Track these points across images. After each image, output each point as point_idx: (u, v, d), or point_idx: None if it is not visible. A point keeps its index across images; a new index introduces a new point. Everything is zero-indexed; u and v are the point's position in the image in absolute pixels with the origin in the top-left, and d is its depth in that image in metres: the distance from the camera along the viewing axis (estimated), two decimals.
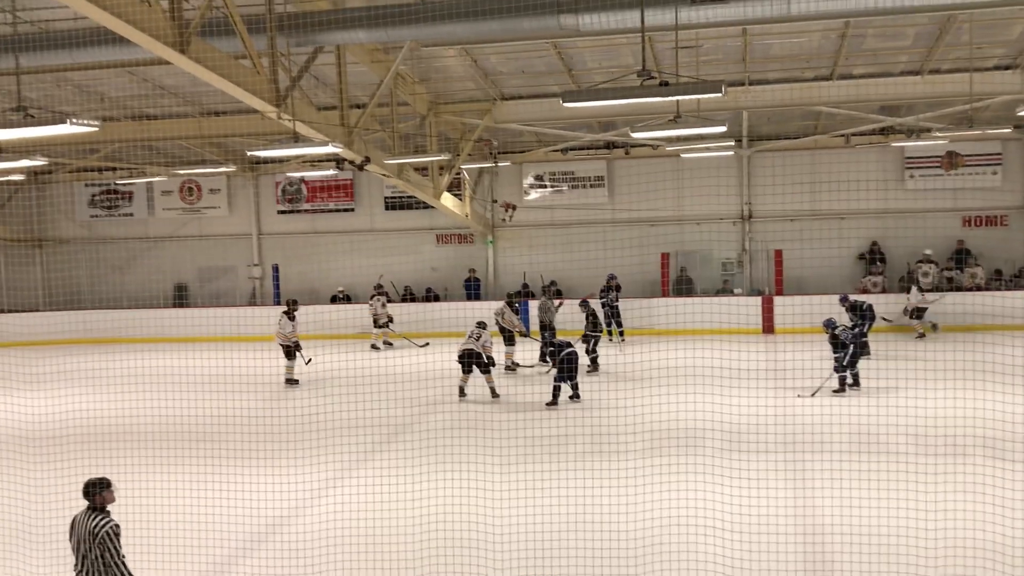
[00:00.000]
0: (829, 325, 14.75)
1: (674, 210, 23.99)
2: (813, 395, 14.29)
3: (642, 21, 11.13)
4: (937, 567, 7.78)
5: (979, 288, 21.85)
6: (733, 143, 19.50)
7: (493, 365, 15.62)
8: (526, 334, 18.97)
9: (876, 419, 11.45)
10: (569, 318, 19.24)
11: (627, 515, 8.82)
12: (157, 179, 25.47)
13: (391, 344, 22.13)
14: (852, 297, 17.91)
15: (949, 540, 8.09)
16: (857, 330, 15.25)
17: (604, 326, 19.43)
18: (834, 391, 14.53)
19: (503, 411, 14.56)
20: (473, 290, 25.06)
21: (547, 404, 14.70)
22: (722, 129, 14.77)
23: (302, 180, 26.39)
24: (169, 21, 10.67)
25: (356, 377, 15.25)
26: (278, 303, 23.99)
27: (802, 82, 19.88)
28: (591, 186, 24.87)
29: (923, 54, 18.20)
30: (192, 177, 26.80)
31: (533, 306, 21.52)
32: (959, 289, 21.79)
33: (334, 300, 25.32)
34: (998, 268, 22.57)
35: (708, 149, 19.47)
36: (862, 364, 15.19)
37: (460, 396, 15.50)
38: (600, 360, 17.62)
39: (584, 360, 16.29)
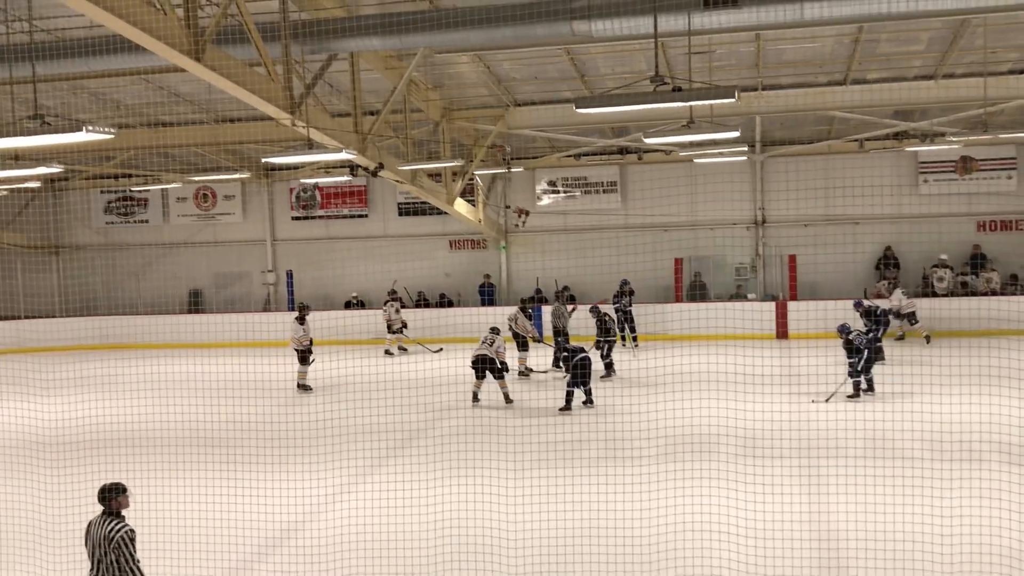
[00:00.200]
0: (843, 330, 14.72)
1: (687, 215, 23.95)
2: (827, 400, 14.25)
3: (655, 27, 11.14)
4: (952, 573, 7.75)
5: (995, 293, 21.74)
6: (746, 148, 19.48)
7: (507, 371, 15.63)
8: (539, 340, 18.97)
9: (891, 424, 11.41)
10: (583, 323, 19.22)
11: (641, 521, 8.81)
12: (172, 186, 25.59)
13: (405, 349, 22.16)
14: (866, 302, 17.85)
15: (965, 546, 8.06)
16: (871, 335, 15.20)
17: (617, 331, 19.40)
18: (848, 396, 14.49)
19: (516, 417, 14.56)
20: (488, 296, 25.07)
21: (560, 410, 14.70)
22: (735, 134, 14.75)
23: (316, 186, 26.48)
24: (184, 29, 10.73)
25: (370, 383, 15.28)
26: (292, 309, 24.02)
27: (815, 87, 19.84)
28: (604, 191, 24.87)
29: (937, 58, 18.14)
30: (207, 184, 26.92)
31: (546, 311, 21.51)
32: (974, 294, 21.70)
33: (348, 306, 25.37)
34: (1014, 273, 22.46)
35: (721, 154, 19.43)
36: (876, 369, 15.15)
37: (474, 402, 15.51)
38: (614, 365, 17.62)
39: (597, 366, 16.29)
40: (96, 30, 13.66)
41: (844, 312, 17.53)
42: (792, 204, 22.93)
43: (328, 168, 23.41)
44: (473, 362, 15.43)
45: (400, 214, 26.27)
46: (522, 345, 18.53)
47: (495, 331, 15.74)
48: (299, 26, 13.04)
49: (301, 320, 17.53)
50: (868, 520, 8.64)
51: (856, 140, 22.46)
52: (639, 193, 24.52)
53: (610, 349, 17.61)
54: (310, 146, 14.23)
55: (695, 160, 20.94)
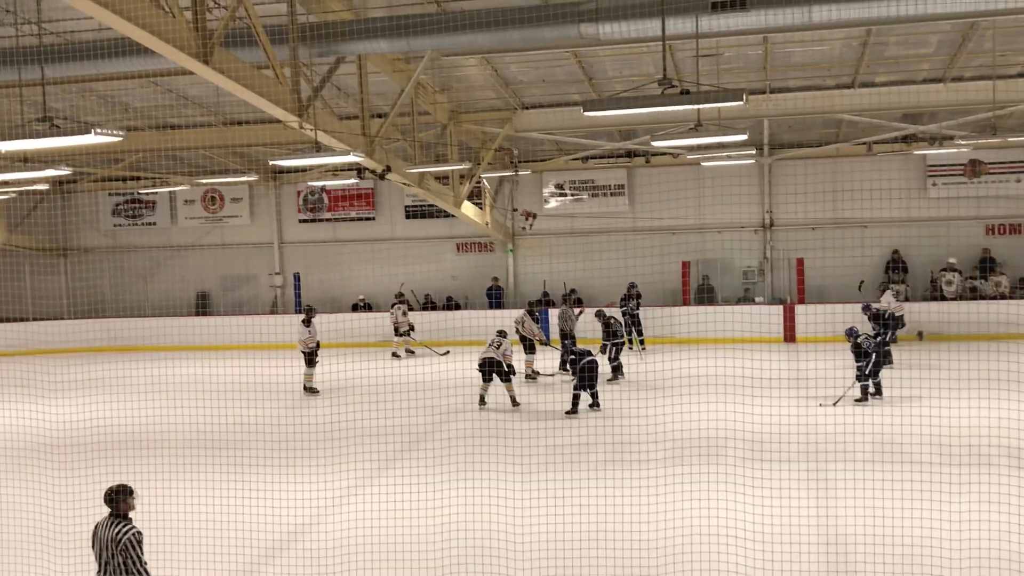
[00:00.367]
0: (851, 334, 14.68)
1: (695, 218, 23.93)
2: (835, 404, 14.21)
3: (663, 30, 11.14)
4: None
5: (1003, 297, 21.68)
6: (754, 151, 19.46)
7: (514, 374, 15.62)
8: (546, 343, 18.96)
9: (899, 428, 11.36)
10: (590, 326, 19.21)
11: (648, 524, 8.79)
12: (180, 188, 25.65)
13: (412, 352, 22.17)
14: (875, 306, 17.81)
15: (973, 551, 8.03)
16: (879, 339, 15.16)
17: (625, 334, 19.37)
18: (856, 400, 14.45)
19: (523, 419, 14.54)
20: (496, 299, 25.06)
21: (567, 413, 14.69)
22: (743, 137, 14.74)
23: (323, 189, 26.50)
24: (192, 32, 10.75)
25: (377, 385, 15.28)
26: (299, 311, 24.05)
27: (823, 90, 19.81)
28: (611, 194, 24.86)
29: (946, 61, 18.10)
30: (214, 186, 26.99)
31: (553, 314, 21.50)
32: (983, 298, 21.64)
33: (355, 308, 25.40)
34: (1023, 276, 22.39)
35: (729, 157, 19.41)
36: (885, 373, 15.11)
37: (480, 404, 15.50)
38: (623, 368, 17.61)
39: (604, 369, 16.27)
40: (105, 33, 13.71)
41: (852, 316, 17.49)
42: (800, 207, 22.88)
43: (335, 171, 23.43)
44: (480, 365, 15.42)
45: (407, 217, 26.29)
46: (529, 348, 18.53)
47: (502, 334, 15.73)
48: (307, 29, 13.07)
49: (307, 322, 17.55)
50: (876, 524, 8.60)
51: (864, 143, 22.41)
52: (647, 196, 24.49)
53: (618, 352, 17.59)
54: (318, 149, 14.25)
55: (703, 163, 20.93)
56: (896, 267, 22.83)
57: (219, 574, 8.55)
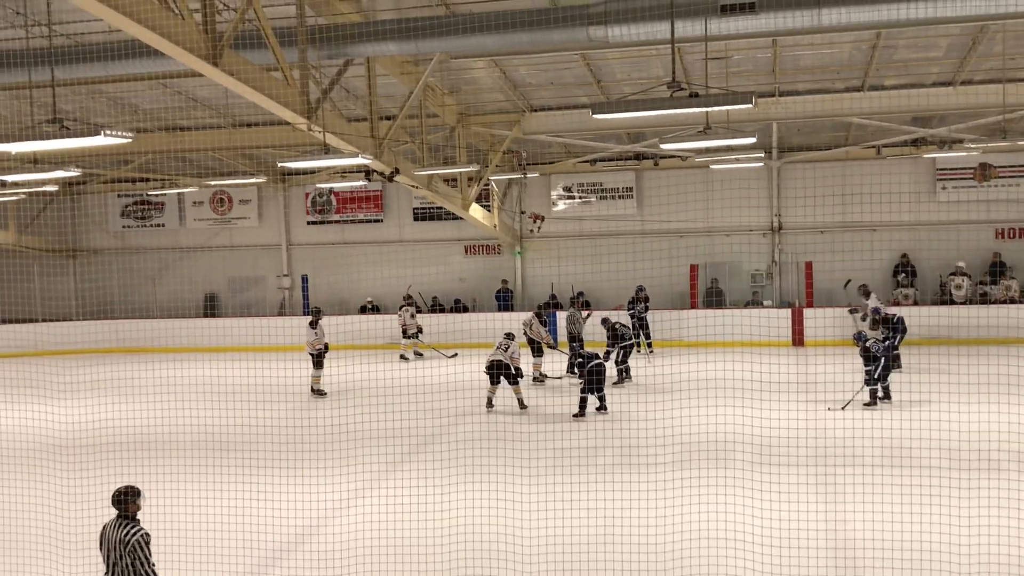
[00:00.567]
0: (860, 338, 14.64)
1: (703, 222, 23.90)
2: (844, 408, 14.17)
3: (672, 32, 11.12)
4: None
5: (1012, 301, 21.61)
6: (763, 154, 19.42)
7: (521, 376, 15.60)
8: (553, 346, 18.94)
9: (908, 433, 11.33)
10: (598, 329, 19.16)
11: (656, 528, 8.77)
12: (188, 190, 25.70)
13: (420, 355, 22.18)
14: (884, 310, 17.75)
15: (982, 556, 7.99)
16: (888, 343, 15.12)
17: (633, 337, 19.33)
18: (865, 404, 14.41)
19: (531, 422, 14.53)
20: (505, 301, 25.06)
21: (574, 416, 14.67)
22: (752, 140, 14.71)
23: (331, 191, 26.53)
24: (202, 34, 10.77)
25: (384, 387, 15.29)
26: (307, 313, 24.09)
27: (833, 93, 19.78)
28: (620, 197, 24.85)
29: (955, 65, 18.05)
30: (223, 188, 27.05)
31: (561, 317, 21.48)
32: (993, 302, 21.57)
33: (363, 310, 25.41)
34: None
35: (738, 160, 19.38)
36: (894, 377, 15.06)
37: (488, 407, 15.49)
38: (631, 371, 17.60)
39: (610, 372, 16.25)
40: (115, 35, 13.76)
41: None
42: (809, 210, 22.83)
43: (344, 173, 23.49)
44: (487, 367, 15.41)
45: (415, 219, 26.30)
46: (536, 351, 18.51)
47: (510, 336, 15.72)
48: (316, 31, 13.08)
49: (313, 324, 17.59)
50: (884, 529, 8.57)
51: (873, 146, 22.35)
52: (655, 199, 24.48)
53: (627, 355, 17.56)
54: (326, 151, 14.27)
55: (711, 166, 20.90)
56: (905, 271, 22.77)
57: (227, 575, 8.55)
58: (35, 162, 16.16)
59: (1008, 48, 16.65)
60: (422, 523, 9.48)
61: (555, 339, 20.50)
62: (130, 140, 11.33)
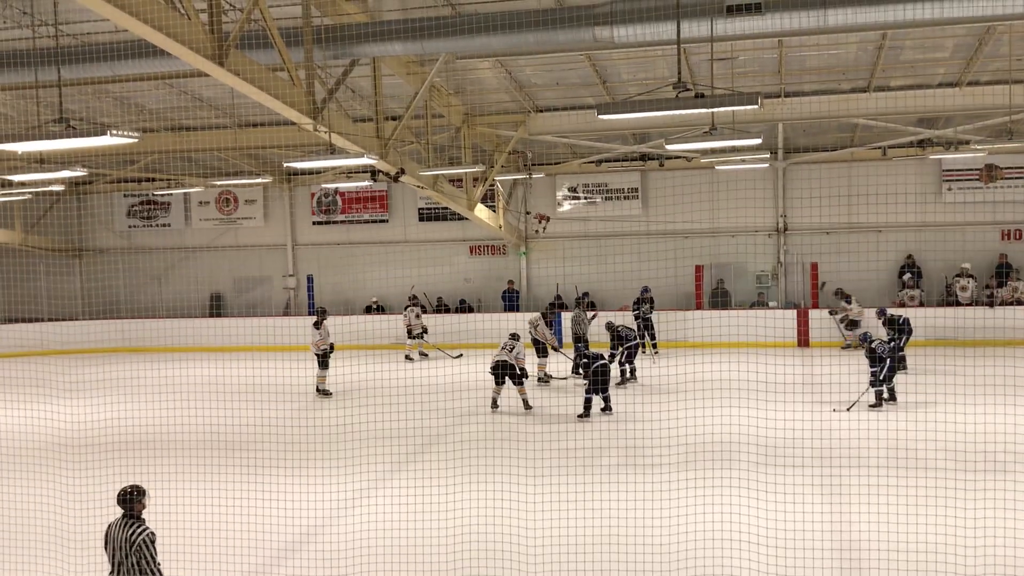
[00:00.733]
0: (865, 339, 14.62)
1: (709, 222, 23.87)
2: (849, 409, 14.15)
3: (678, 33, 11.12)
4: None
5: (1019, 303, 21.56)
6: (768, 155, 19.40)
7: (526, 377, 15.60)
8: (558, 349, 18.91)
9: (913, 434, 11.30)
10: (604, 330, 19.17)
11: (661, 529, 8.77)
12: (194, 190, 25.73)
13: (425, 355, 22.19)
14: (889, 311, 17.73)
15: (988, 557, 7.98)
16: (894, 344, 15.09)
17: (638, 338, 19.32)
18: (870, 406, 14.38)
19: (535, 423, 14.53)
20: (511, 302, 25.05)
21: (579, 416, 14.67)
22: (757, 141, 14.69)
23: (337, 191, 26.55)
24: (208, 34, 10.78)
25: (390, 387, 15.30)
26: (312, 313, 24.12)
27: (838, 94, 19.75)
28: (625, 198, 24.83)
29: (962, 66, 18.02)
30: (228, 188, 27.07)
31: (566, 318, 21.47)
32: (1001, 303, 21.52)
33: (368, 311, 25.43)
34: None
35: (743, 161, 19.37)
36: (899, 378, 15.03)
37: (493, 407, 15.49)
38: (636, 372, 17.60)
39: (614, 373, 16.24)
40: (121, 35, 13.77)
41: (867, 321, 17.43)
42: (814, 212, 22.80)
43: (349, 173, 23.50)
44: (492, 368, 15.41)
45: (420, 219, 26.30)
46: (541, 351, 18.50)
47: (515, 337, 15.72)
48: (321, 31, 13.09)
49: (318, 325, 17.61)
50: (890, 530, 8.56)
51: (879, 147, 22.32)
52: (660, 200, 24.45)
53: (632, 355, 17.55)
54: (332, 151, 14.28)
55: (717, 167, 20.89)
56: (911, 272, 22.73)
57: (232, 575, 8.56)
58: (41, 162, 16.21)
59: (1015, 49, 16.60)
60: (427, 523, 9.49)
61: (560, 341, 20.52)
62: (136, 140, 11.36)
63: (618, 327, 17.70)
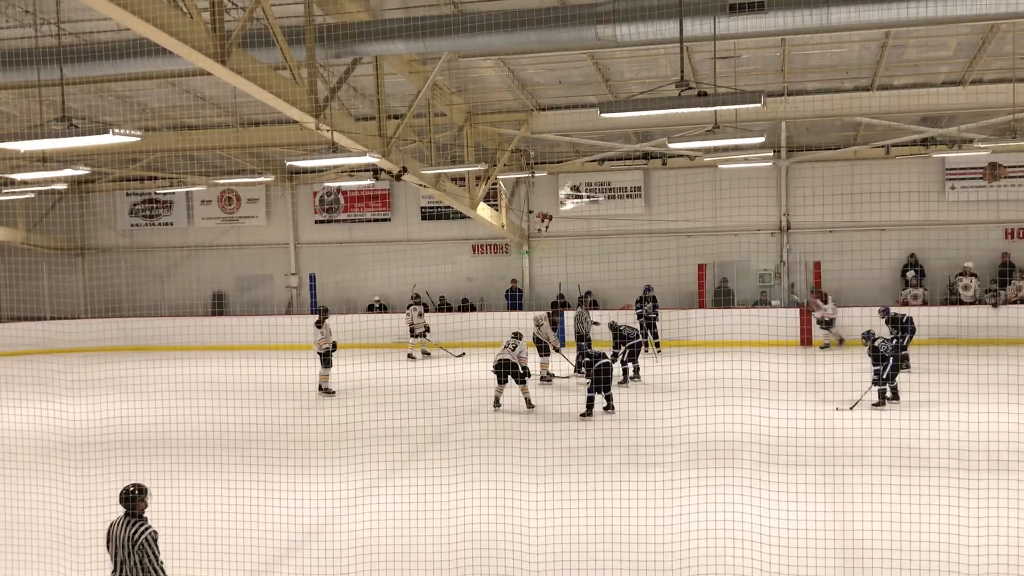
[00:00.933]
0: (868, 336, 14.59)
1: (711, 221, 23.84)
2: (852, 408, 14.14)
3: (680, 32, 11.09)
4: None
5: (1023, 302, 21.53)
6: (771, 154, 19.36)
7: (529, 376, 15.60)
8: (559, 350, 18.89)
9: (916, 433, 11.29)
10: (607, 329, 19.17)
11: (663, 527, 8.76)
12: (197, 189, 25.73)
13: (428, 354, 22.19)
14: (892, 310, 17.72)
15: (992, 557, 7.97)
16: (896, 343, 15.07)
17: (640, 337, 19.31)
18: (873, 404, 14.37)
19: (538, 422, 14.53)
20: (515, 300, 25.05)
21: (582, 415, 14.66)
22: (760, 140, 14.67)
23: (339, 190, 26.54)
24: (210, 33, 10.78)
25: (392, 386, 15.30)
26: (315, 312, 24.14)
27: (841, 92, 19.71)
28: (628, 197, 24.81)
29: (965, 64, 17.99)
30: (231, 187, 27.07)
31: (569, 317, 21.45)
32: (1005, 303, 21.48)
33: (370, 309, 25.43)
34: None
35: (746, 160, 19.33)
36: (903, 377, 15.01)
37: (495, 406, 15.49)
38: (640, 371, 17.60)
39: (616, 372, 16.23)
40: (123, 34, 13.77)
41: (869, 319, 17.40)
42: (817, 210, 22.77)
43: (351, 172, 23.47)
44: (495, 366, 15.41)
45: (423, 218, 26.30)
46: (543, 350, 18.49)
47: (517, 336, 15.71)
48: (324, 30, 13.08)
49: (319, 324, 17.61)
50: (893, 529, 8.55)
51: (882, 146, 22.28)
52: (663, 198, 24.43)
53: (635, 354, 17.53)
54: (334, 149, 14.27)
55: (720, 165, 20.87)
56: (914, 271, 22.69)
57: (234, 573, 8.56)
58: (44, 160, 16.20)
59: (1018, 47, 16.56)
60: (429, 521, 9.49)
61: (563, 340, 20.49)
62: (138, 139, 11.34)
63: (620, 327, 17.69)
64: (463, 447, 11.65)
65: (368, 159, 15.14)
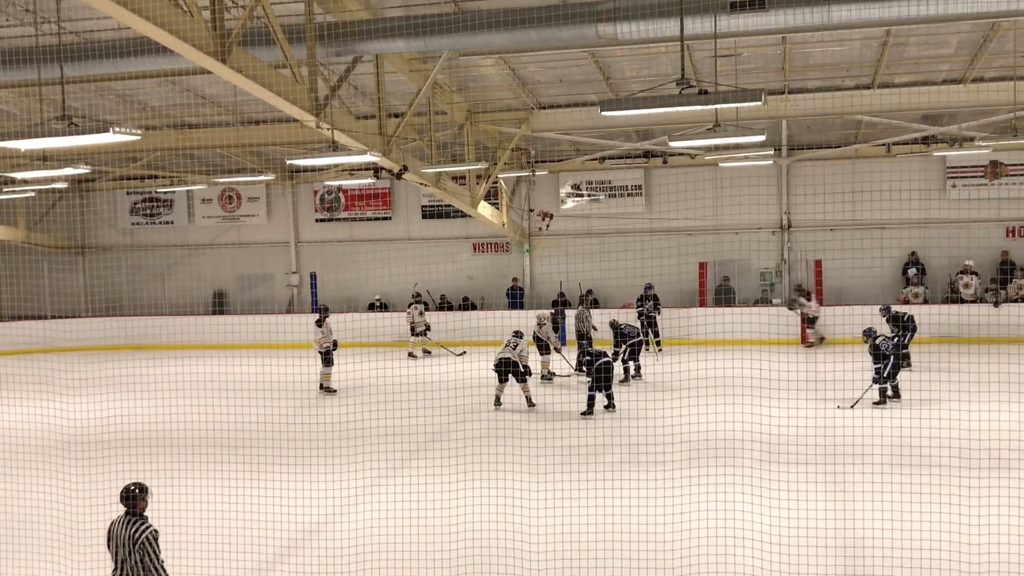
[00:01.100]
0: (869, 334, 14.58)
1: (712, 219, 23.81)
2: (853, 407, 14.13)
3: (681, 30, 11.07)
4: None
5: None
6: (772, 152, 19.34)
7: (530, 374, 15.60)
8: (559, 351, 18.87)
9: (917, 431, 11.28)
10: (607, 327, 19.17)
11: (664, 526, 8.75)
12: (197, 187, 25.74)
13: (428, 352, 22.19)
14: (894, 308, 17.70)
15: (992, 555, 7.96)
16: (898, 341, 15.06)
17: (641, 335, 19.31)
18: (874, 403, 14.36)
19: (538, 420, 14.52)
20: (516, 299, 25.03)
21: (582, 414, 14.66)
22: (761, 138, 14.63)
23: (340, 188, 26.54)
24: (210, 31, 10.77)
25: (393, 385, 15.30)
26: (315, 311, 24.15)
27: (842, 90, 19.68)
28: (628, 195, 24.80)
29: (966, 62, 17.97)
30: (231, 185, 27.06)
31: (570, 315, 21.44)
32: (1007, 301, 21.47)
33: (371, 308, 25.42)
34: None
35: (747, 158, 19.31)
36: (904, 375, 15.00)
37: (496, 405, 15.49)
38: (641, 369, 17.59)
39: (617, 370, 16.23)
40: (123, 32, 13.76)
41: (870, 318, 17.38)
42: (818, 208, 22.76)
43: (352, 170, 23.45)
44: (496, 365, 15.41)
45: (424, 217, 26.29)
46: (543, 349, 18.49)
47: (518, 335, 15.71)
48: (324, 28, 13.07)
49: (319, 323, 17.62)
50: (894, 528, 8.53)
51: (883, 144, 22.27)
52: (664, 197, 24.41)
53: (636, 352, 17.52)
54: (334, 148, 14.26)
55: (720, 164, 20.84)
56: (916, 269, 22.68)
57: (235, 572, 8.56)
58: (44, 159, 16.19)
59: (1019, 45, 16.53)
60: (430, 520, 9.48)
61: (564, 339, 20.48)
62: (139, 137, 11.34)
63: (621, 324, 17.69)
64: (464, 446, 11.64)
65: (369, 158, 15.12)
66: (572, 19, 12.09)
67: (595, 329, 19.89)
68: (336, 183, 25.30)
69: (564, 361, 18.49)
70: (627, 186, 24.78)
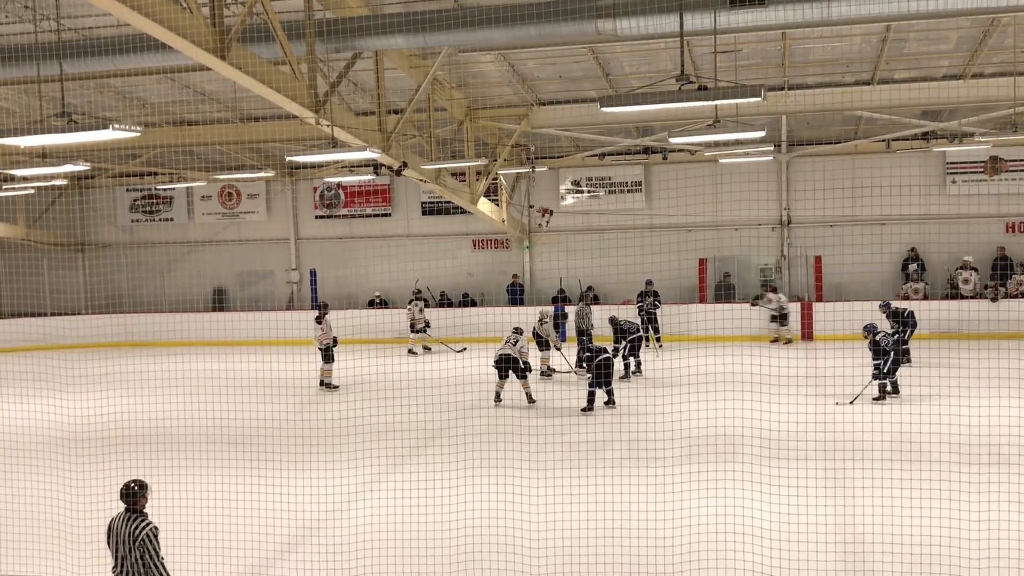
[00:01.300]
0: (869, 330, 14.58)
1: (712, 215, 23.80)
2: (852, 403, 14.14)
3: (680, 25, 11.06)
4: None
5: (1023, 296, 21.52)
6: (772, 148, 19.36)
7: (530, 371, 15.60)
8: (560, 349, 18.87)
9: (917, 427, 11.29)
10: (607, 324, 19.16)
11: (664, 522, 8.76)
12: (197, 184, 25.72)
13: (428, 349, 22.19)
14: (893, 304, 17.70)
15: (992, 551, 7.96)
16: (897, 337, 15.06)
17: (641, 331, 19.31)
18: (874, 399, 14.37)
19: (539, 417, 14.53)
20: (517, 295, 25.03)
21: (583, 410, 14.66)
22: (761, 134, 14.64)
23: (339, 185, 26.54)
24: (210, 28, 10.76)
25: (393, 381, 15.29)
26: (315, 307, 24.15)
27: (842, 86, 19.68)
28: (628, 191, 24.79)
29: (966, 58, 17.96)
30: (231, 182, 27.04)
31: (570, 312, 21.44)
32: (1006, 296, 21.47)
33: (371, 305, 25.42)
34: None
35: (747, 154, 19.32)
36: (903, 371, 15.00)
37: (496, 401, 15.49)
38: (642, 365, 17.59)
39: (617, 367, 16.23)
40: (123, 29, 13.77)
41: (871, 314, 17.38)
42: (818, 204, 22.78)
43: (352, 167, 23.47)
44: (496, 362, 15.41)
45: (423, 213, 26.29)
46: (543, 345, 18.49)
47: (518, 331, 15.71)
48: (323, 24, 13.06)
49: (319, 320, 17.62)
50: (894, 524, 8.54)
51: (883, 140, 22.27)
52: (663, 193, 24.41)
53: (636, 348, 17.51)
54: (334, 145, 14.24)
55: (720, 160, 20.85)
56: (915, 264, 22.67)
57: (235, 569, 8.57)
58: (44, 156, 16.18)
59: (1019, 41, 16.53)
60: (430, 516, 9.49)
61: (564, 337, 20.48)
62: (138, 134, 11.30)
63: (621, 320, 17.69)
64: (464, 442, 11.64)
65: (368, 154, 15.11)
66: (571, 15, 12.08)
67: (592, 327, 19.89)
68: (336, 180, 25.28)
69: (564, 360, 18.48)
70: (627, 182, 24.78)
